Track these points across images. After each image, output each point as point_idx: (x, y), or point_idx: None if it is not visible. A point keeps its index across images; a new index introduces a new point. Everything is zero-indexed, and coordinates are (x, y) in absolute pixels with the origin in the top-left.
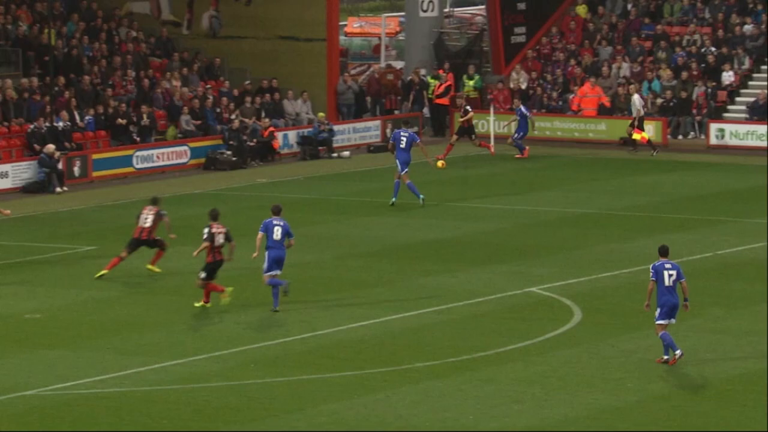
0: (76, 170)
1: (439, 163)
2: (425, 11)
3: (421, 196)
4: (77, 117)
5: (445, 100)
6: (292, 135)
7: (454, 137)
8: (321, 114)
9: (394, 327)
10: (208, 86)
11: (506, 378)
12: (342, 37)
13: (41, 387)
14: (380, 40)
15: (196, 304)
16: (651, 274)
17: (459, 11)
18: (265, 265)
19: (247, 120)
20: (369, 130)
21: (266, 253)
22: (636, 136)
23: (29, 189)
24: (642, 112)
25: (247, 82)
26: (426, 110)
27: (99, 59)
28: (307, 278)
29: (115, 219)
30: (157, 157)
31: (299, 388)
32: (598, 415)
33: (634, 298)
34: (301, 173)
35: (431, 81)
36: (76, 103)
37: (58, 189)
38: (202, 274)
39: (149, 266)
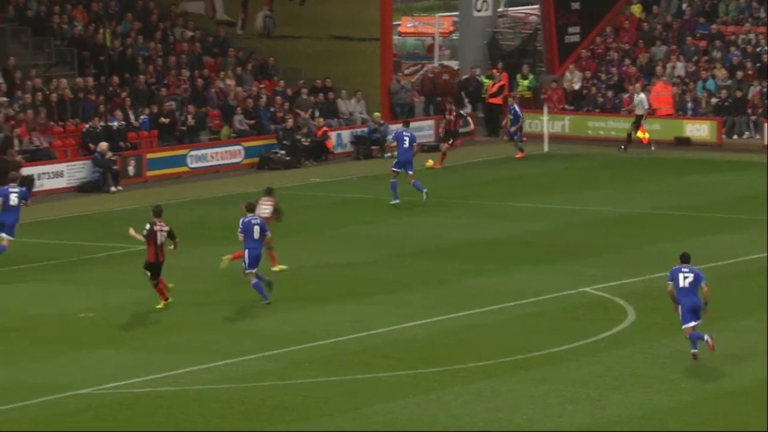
0: (131, 170)
1: (429, 162)
2: (479, 11)
3: (425, 191)
4: (132, 116)
5: (498, 100)
6: (346, 135)
7: (445, 145)
8: (376, 114)
9: (447, 327)
10: (262, 86)
11: (560, 378)
12: (396, 37)
13: (95, 386)
14: (434, 40)
15: (158, 306)
16: (668, 277)
17: (513, 11)
18: (246, 263)
19: (302, 113)
20: (422, 129)
21: (246, 252)
22: (639, 134)
23: (84, 188)
24: (647, 111)
25: (301, 81)
26: (479, 110)
27: (154, 59)
28: (360, 278)
29: (169, 218)
30: (211, 157)
31: (353, 387)
32: (652, 416)
33: None
34: (354, 173)
35: (485, 80)
36: (130, 102)
37: (113, 188)
38: (147, 274)
39: (275, 268)
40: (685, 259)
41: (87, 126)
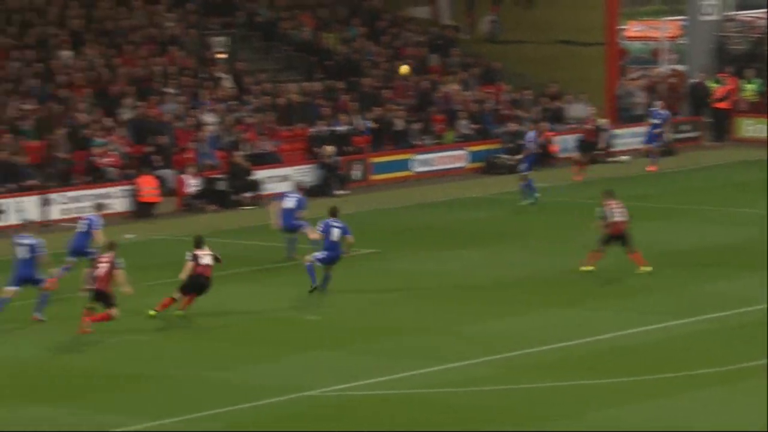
0: (356, 173)
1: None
2: (706, 15)
3: (537, 195)
4: (357, 120)
5: (725, 105)
6: (571, 139)
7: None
8: (602, 120)
9: (674, 332)
10: (488, 90)
11: None
12: (621, 41)
13: (321, 388)
14: (660, 44)
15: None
16: None
17: (741, 14)
18: (320, 256)
19: (524, 114)
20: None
21: (324, 251)
22: None
23: (310, 192)
24: None
25: (527, 86)
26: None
27: (379, 63)
28: (586, 283)
29: (394, 222)
30: (436, 161)
31: (578, 392)
32: None
33: None
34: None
35: (712, 85)
36: (355, 106)
37: (339, 192)
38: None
39: (583, 268)
40: None
41: (313, 130)
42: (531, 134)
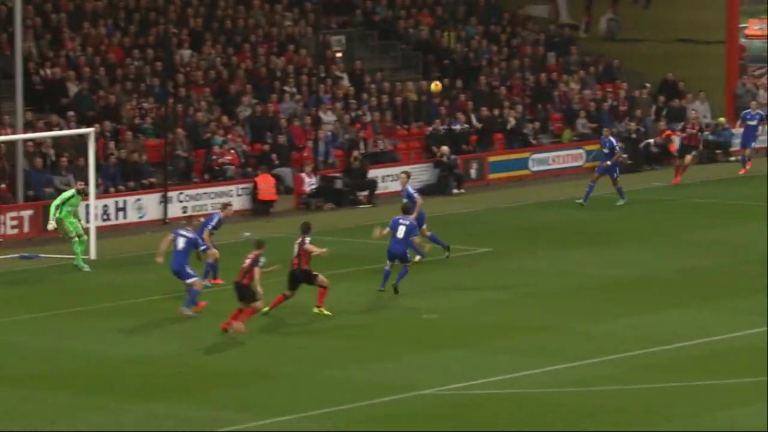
0: (473, 172)
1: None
2: None
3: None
4: (474, 119)
5: None
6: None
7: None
8: (721, 119)
9: None
10: (608, 90)
11: None
12: (742, 40)
13: (438, 386)
14: None
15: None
16: None
17: None
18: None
19: (642, 114)
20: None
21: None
22: None
23: (427, 191)
24: None
25: (646, 83)
26: None
27: (497, 62)
28: (704, 283)
29: (511, 221)
30: (553, 160)
31: (694, 393)
32: None
33: None
34: (697, 177)
35: None
36: (472, 105)
37: (456, 191)
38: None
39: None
40: None
41: (430, 129)
42: (612, 139)
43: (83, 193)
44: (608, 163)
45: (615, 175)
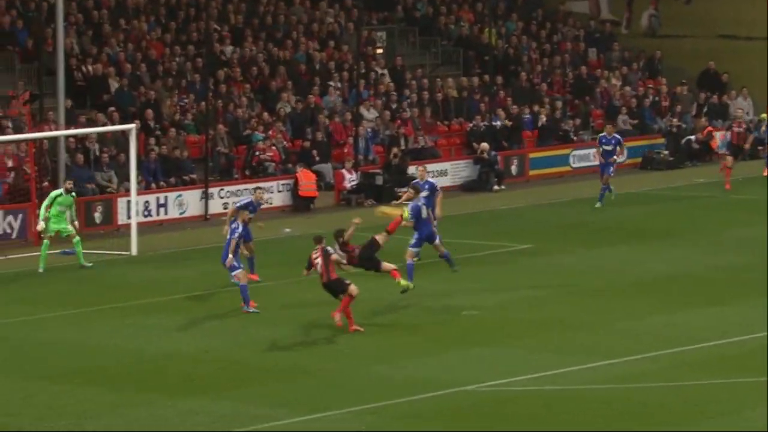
0: (514, 169)
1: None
2: None
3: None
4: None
5: None
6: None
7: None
8: (763, 115)
9: None
10: (649, 86)
11: None
12: None
13: (478, 383)
14: None
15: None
16: None
17: None
18: (414, 243)
19: (682, 110)
20: None
21: (415, 235)
22: None
23: (468, 187)
24: None
25: (684, 80)
26: None
27: (537, 58)
28: (742, 280)
29: (551, 218)
30: (594, 157)
31: (736, 390)
32: None
33: None
34: (739, 174)
35: None
36: (513, 101)
37: (496, 187)
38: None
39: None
40: None
41: (471, 125)
42: (617, 136)
43: (72, 192)
44: (615, 158)
45: (609, 172)
